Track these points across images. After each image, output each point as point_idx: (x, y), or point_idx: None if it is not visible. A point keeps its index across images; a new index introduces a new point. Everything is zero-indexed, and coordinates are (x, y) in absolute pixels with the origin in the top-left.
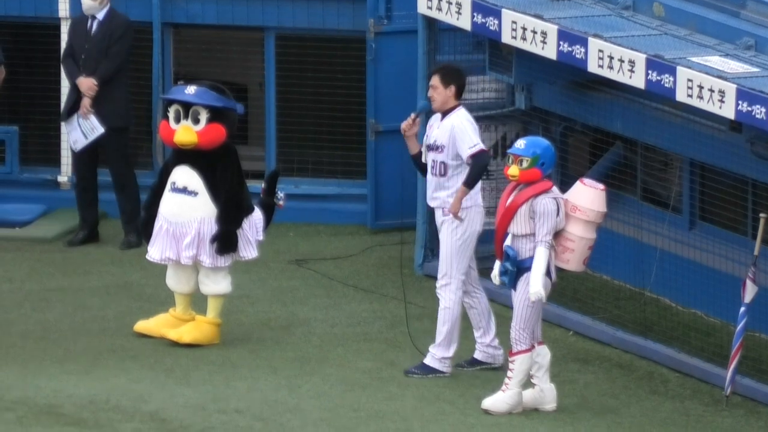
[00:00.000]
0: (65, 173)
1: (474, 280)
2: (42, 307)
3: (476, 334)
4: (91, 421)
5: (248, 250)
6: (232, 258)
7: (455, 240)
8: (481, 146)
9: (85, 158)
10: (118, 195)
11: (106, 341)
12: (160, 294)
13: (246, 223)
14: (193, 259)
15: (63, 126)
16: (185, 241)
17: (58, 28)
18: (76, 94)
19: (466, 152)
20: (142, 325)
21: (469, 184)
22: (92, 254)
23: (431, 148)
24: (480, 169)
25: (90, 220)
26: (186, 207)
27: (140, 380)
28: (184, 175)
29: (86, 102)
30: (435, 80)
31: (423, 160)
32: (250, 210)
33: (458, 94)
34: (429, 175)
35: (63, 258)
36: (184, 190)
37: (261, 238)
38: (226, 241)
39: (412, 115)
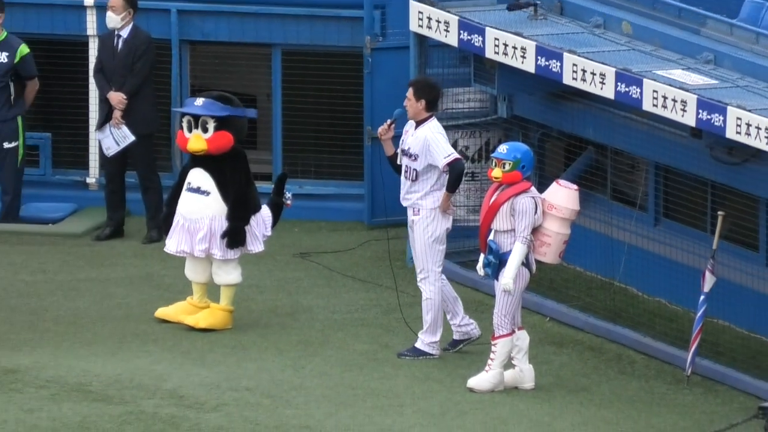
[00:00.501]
0: (93, 175)
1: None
2: (72, 295)
3: (447, 317)
4: (117, 398)
5: (255, 245)
6: (241, 251)
7: (427, 237)
8: (455, 155)
9: (115, 163)
10: (143, 195)
11: (130, 326)
12: (179, 284)
13: (254, 220)
14: (205, 252)
15: (96, 134)
16: (198, 235)
17: (86, 44)
18: (107, 107)
19: (442, 162)
20: (163, 312)
21: (451, 189)
22: (117, 248)
23: (405, 153)
24: (458, 175)
25: (116, 219)
26: (199, 205)
27: (160, 361)
28: (198, 176)
29: (117, 114)
30: (409, 92)
31: (398, 161)
32: (258, 208)
33: (429, 107)
34: (402, 177)
35: (91, 251)
36: (197, 190)
37: (269, 233)
38: (234, 235)
39: (388, 122)
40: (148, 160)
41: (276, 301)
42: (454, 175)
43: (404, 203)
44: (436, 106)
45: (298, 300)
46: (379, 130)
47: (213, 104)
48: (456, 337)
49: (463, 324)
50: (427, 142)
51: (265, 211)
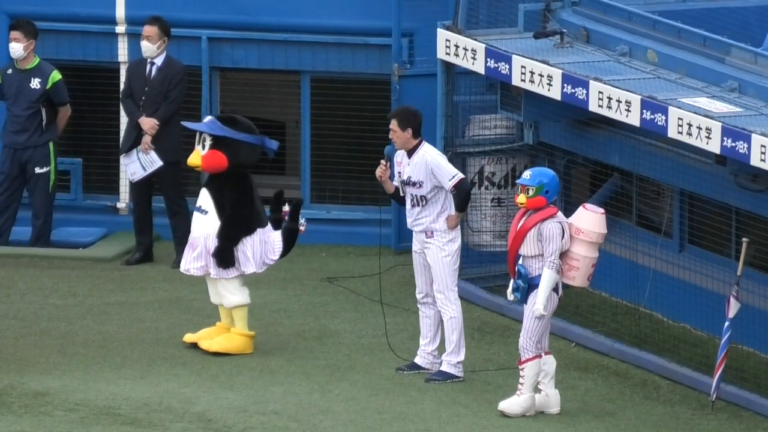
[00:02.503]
0: (123, 200)
1: (434, 297)
2: (102, 319)
3: (422, 341)
4: (145, 421)
5: (247, 266)
6: (237, 271)
7: (443, 257)
8: (459, 175)
9: (142, 188)
10: (170, 220)
11: (159, 350)
12: (207, 308)
13: (249, 241)
14: (202, 270)
15: (122, 159)
16: (193, 254)
17: (117, 71)
18: (136, 132)
19: (448, 184)
20: (191, 337)
21: (461, 209)
22: (147, 272)
23: (407, 183)
24: (465, 194)
25: (145, 243)
26: (199, 223)
27: (189, 385)
28: (202, 195)
29: (147, 139)
30: (393, 125)
31: (401, 194)
32: (251, 230)
33: (416, 134)
34: (408, 206)
35: (121, 276)
36: (199, 209)
37: (276, 257)
38: (221, 256)
39: (383, 162)
40: (176, 185)
41: (303, 325)
42: (462, 195)
43: (415, 228)
44: (420, 131)
45: (326, 324)
46: (377, 172)
47: (214, 123)
48: (419, 362)
49: (433, 354)
50: (429, 166)
51: (276, 236)
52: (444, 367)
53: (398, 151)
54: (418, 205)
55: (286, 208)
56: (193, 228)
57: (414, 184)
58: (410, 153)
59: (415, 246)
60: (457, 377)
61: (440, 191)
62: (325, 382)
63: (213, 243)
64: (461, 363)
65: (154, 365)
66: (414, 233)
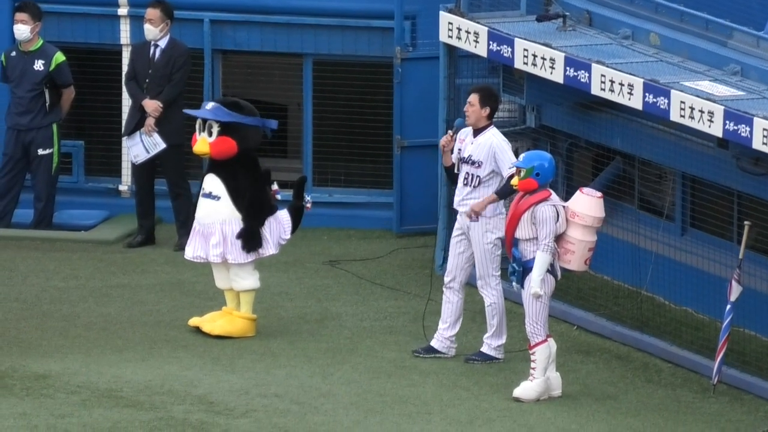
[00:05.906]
0: (125, 183)
1: (461, 284)
2: (104, 301)
3: (442, 326)
4: (147, 404)
5: (267, 248)
6: (256, 255)
7: (486, 243)
8: None
9: (144, 171)
10: (173, 202)
11: (161, 332)
12: (209, 291)
13: (267, 223)
14: (220, 257)
15: (125, 141)
16: (212, 241)
17: (119, 53)
18: (140, 114)
19: (507, 171)
20: (196, 321)
21: (501, 195)
22: (149, 255)
23: (466, 161)
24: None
25: (147, 226)
26: (211, 210)
27: (191, 367)
28: (210, 182)
29: (150, 121)
30: (474, 98)
31: (456, 170)
32: (273, 210)
33: (491, 115)
34: (460, 184)
35: (123, 258)
36: (209, 195)
37: (287, 236)
38: (250, 237)
39: (450, 132)
40: (178, 167)
41: (305, 308)
42: (510, 184)
43: (461, 209)
44: (495, 115)
45: (327, 307)
46: (442, 141)
47: (220, 109)
48: (435, 345)
49: (450, 339)
50: (493, 148)
51: (284, 215)
52: (484, 349)
53: (464, 129)
54: (471, 185)
55: (275, 186)
56: (202, 214)
57: (474, 163)
58: (476, 133)
59: (457, 230)
60: (496, 359)
61: (495, 177)
62: (327, 365)
63: (232, 229)
64: (502, 346)
65: (155, 348)
66: (458, 217)
